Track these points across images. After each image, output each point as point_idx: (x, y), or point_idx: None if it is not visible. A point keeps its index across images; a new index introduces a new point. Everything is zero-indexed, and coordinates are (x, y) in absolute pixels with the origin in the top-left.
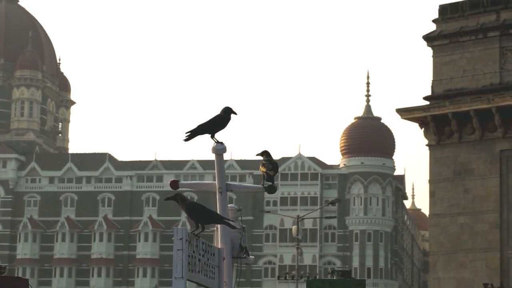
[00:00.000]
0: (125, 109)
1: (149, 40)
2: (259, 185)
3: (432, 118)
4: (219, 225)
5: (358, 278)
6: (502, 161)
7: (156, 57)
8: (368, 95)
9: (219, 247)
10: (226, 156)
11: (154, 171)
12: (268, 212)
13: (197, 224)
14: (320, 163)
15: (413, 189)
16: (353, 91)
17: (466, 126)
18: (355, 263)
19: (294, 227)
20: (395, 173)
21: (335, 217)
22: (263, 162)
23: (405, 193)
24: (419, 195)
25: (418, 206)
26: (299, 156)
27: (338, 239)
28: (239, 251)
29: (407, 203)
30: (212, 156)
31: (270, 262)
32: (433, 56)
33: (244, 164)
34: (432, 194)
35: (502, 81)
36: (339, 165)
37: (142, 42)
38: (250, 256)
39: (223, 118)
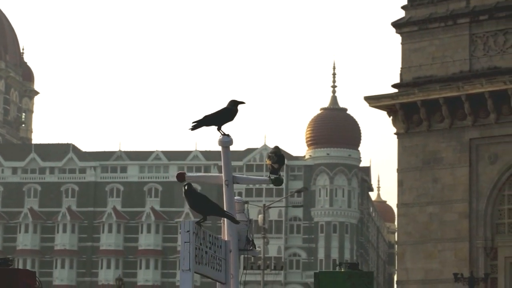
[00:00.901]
0: (89, 99)
1: (111, 30)
2: (265, 178)
3: (401, 106)
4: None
5: (324, 270)
6: (472, 149)
7: (117, 46)
8: (334, 86)
9: (226, 239)
10: (190, 147)
11: (118, 162)
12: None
13: (204, 216)
14: (285, 154)
15: (378, 181)
16: (319, 82)
17: (435, 114)
18: (321, 255)
19: (260, 216)
20: (361, 165)
21: (301, 206)
22: (269, 154)
23: (371, 184)
24: (385, 187)
25: (383, 198)
26: (265, 147)
27: (303, 230)
28: (245, 243)
29: (373, 195)
30: (176, 147)
31: None
32: (402, 43)
33: (209, 155)
34: (400, 184)
35: (472, 68)
36: (304, 156)
37: (105, 31)
38: (257, 248)
39: (230, 110)
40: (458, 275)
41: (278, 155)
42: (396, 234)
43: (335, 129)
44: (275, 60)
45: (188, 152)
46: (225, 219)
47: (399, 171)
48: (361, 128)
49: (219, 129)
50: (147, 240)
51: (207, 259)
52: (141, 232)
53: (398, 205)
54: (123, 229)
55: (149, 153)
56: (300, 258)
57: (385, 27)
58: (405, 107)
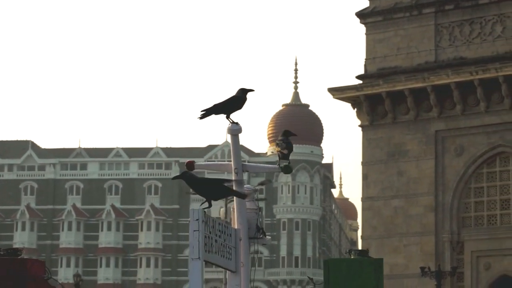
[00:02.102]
0: (49, 96)
1: (68, 24)
2: (275, 165)
3: (365, 98)
4: (235, 206)
5: (286, 267)
6: (438, 142)
7: (74, 41)
8: (296, 82)
9: (236, 227)
10: (151, 144)
11: (78, 159)
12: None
13: (209, 201)
14: (247, 151)
15: (340, 178)
16: (281, 77)
17: (400, 106)
18: (283, 252)
19: (222, 209)
20: (323, 161)
21: (265, 199)
22: (277, 142)
23: (333, 181)
24: (348, 184)
25: (345, 195)
26: (226, 143)
27: (265, 227)
28: (255, 231)
29: (335, 192)
30: (136, 144)
31: None
32: (366, 34)
33: (170, 152)
34: (365, 177)
35: (438, 59)
36: (266, 153)
37: (62, 25)
38: (267, 237)
39: (239, 98)
40: (425, 269)
41: (286, 142)
42: (358, 231)
43: (297, 125)
44: (236, 56)
45: (149, 149)
46: (235, 208)
47: (364, 164)
48: (323, 125)
49: (227, 117)
50: (107, 238)
51: (217, 248)
52: (101, 230)
53: (362, 199)
54: (83, 227)
55: (110, 150)
56: (262, 255)
57: (350, 17)
58: (370, 99)
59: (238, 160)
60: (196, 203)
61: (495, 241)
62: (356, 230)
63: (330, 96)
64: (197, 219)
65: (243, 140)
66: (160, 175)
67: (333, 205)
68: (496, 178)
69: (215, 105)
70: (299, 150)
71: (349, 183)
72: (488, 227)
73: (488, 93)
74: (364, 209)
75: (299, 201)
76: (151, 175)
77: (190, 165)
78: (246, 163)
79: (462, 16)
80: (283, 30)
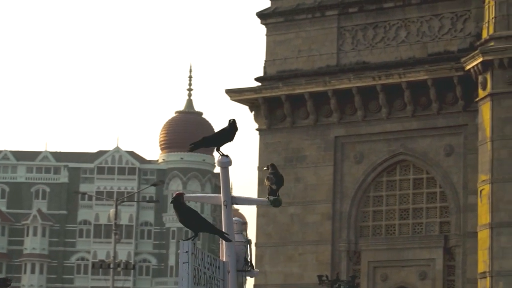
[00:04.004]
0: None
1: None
2: (264, 199)
3: (264, 100)
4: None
5: (174, 277)
6: (337, 148)
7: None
8: (190, 89)
9: (224, 260)
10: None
11: (44, 163)
12: (83, 193)
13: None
14: (138, 158)
15: (231, 189)
16: (176, 84)
17: (300, 110)
18: (171, 261)
19: (112, 211)
20: (215, 171)
21: (157, 201)
22: (268, 176)
23: None
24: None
25: (235, 206)
26: (117, 149)
27: (154, 236)
28: (243, 264)
29: None
30: (25, 147)
31: (83, 258)
32: (266, 35)
33: (59, 156)
34: (260, 182)
35: (340, 63)
36: (158, 160)
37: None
38: (255, 270)
39: (229, 131)
40: (323, 277)
41: (276, 176)
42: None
43: (189, 133)
44: (130, 60)
45: (38, 153)
46: (223, 241)
47: (260, 169)
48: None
49: (218, 149)
50: None
51: (205, 280)
52: None
53: (258, 205)
54: (48, 232)
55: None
56: (150, 264)
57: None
58: (268, 102)
59: (227, 192)
60: (85, 209)
61: (393, 251)
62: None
63: (227, 102)
64: (186, 251)
65: (134, 146)
66: (49, 179)
67: None
68: (395, 187)
69: (204, 138)
70: (190, 159)
71: (243, 192)
72: (386, 237)
73: (391, 99)
74: (259, 215)
75: None
76: (39, 179)
77: (179, 197)
78: (236, 195)
79: (365, 20)
80: (178, 33)
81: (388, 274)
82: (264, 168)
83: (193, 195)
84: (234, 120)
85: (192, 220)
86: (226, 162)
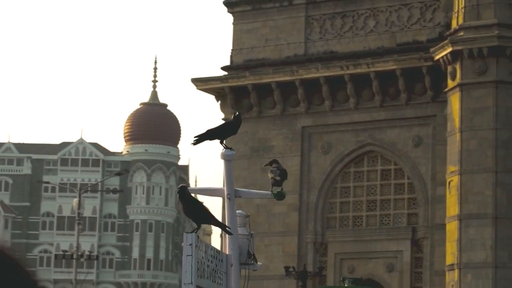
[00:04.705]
0: None
1: None
2: (268, 192)
3: (230, 90)
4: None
5: (137, 270)
6: (304, 138)
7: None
8: (155, 81)
9: (227, 253)
10: (3, 139)
11: (7, 154)
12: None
13: (198, 225)
14: (102, 149)
15: (196, 181)
16: (140, 75)
17: (267, 100)
18: (135, 254)
19: (75, 200)
20: (180, 163)
21: (121, 190)
22: (271, 169)
23: (189, 183)
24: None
25: (200, 199)
26: (81, 141)
27: (118, 228)
28: (246, 257)
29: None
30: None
31: (46, 251)
32: (233, 24)
33: (22, 147)
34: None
35: (307, 52)
36: (122, 152)
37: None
38: (258, 263)
39: (233, 123)
40: (290, 268)
41: (280, 169)
42: (212, 235)
43: (154, 125)
44: (94, 51)
45: (1, 144)
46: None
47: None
48: (182, 125)
49: (221, 142)
50: None
51: (209, 273)
52: None
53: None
54: (11, 224)
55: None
56: (114, 256)
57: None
58: (235, 91)
59: (231, 185)
60: (48, 201)
61: (360, 243)
62: (209, 234)
63: (192, 93)
64: (190, 244)
65: (98, 138)
66: (11, 171)
67: None
68: (363, 178)
69: (208, 131)
70: (155, 150)
71: (210, 182)
72: (353, 229)
73: (359, 89)
74: (224, 207)
75: (154, 202)
76: (1, 170)
77: (184, 188)
78: (240, 188)
79: (334, 9)
80: (143, 23)
81: (355, 266)
82: (265, 165)
83: (196, 187)
84: (239, 114)
85: (195, 212)
86: (230, 155)
